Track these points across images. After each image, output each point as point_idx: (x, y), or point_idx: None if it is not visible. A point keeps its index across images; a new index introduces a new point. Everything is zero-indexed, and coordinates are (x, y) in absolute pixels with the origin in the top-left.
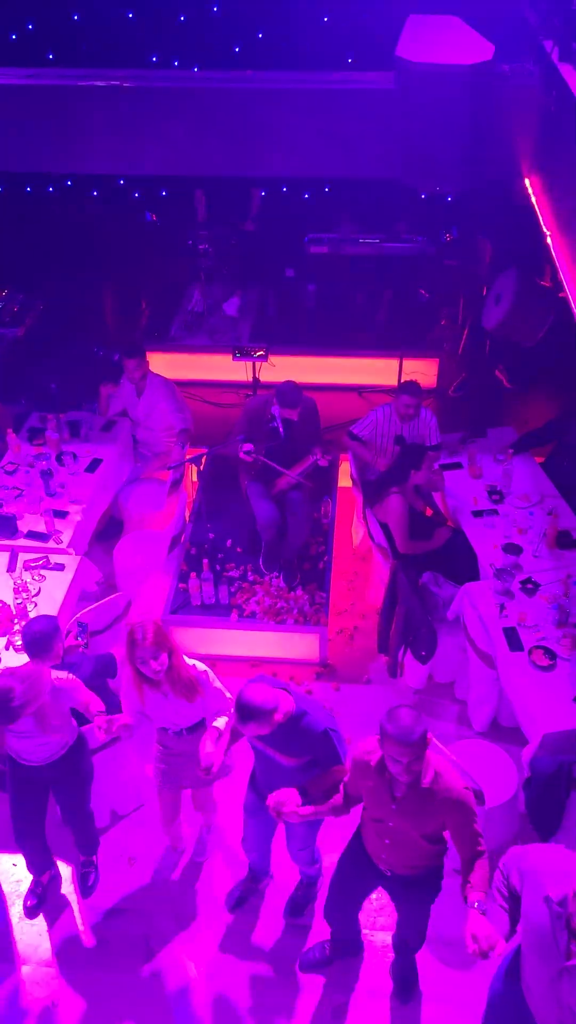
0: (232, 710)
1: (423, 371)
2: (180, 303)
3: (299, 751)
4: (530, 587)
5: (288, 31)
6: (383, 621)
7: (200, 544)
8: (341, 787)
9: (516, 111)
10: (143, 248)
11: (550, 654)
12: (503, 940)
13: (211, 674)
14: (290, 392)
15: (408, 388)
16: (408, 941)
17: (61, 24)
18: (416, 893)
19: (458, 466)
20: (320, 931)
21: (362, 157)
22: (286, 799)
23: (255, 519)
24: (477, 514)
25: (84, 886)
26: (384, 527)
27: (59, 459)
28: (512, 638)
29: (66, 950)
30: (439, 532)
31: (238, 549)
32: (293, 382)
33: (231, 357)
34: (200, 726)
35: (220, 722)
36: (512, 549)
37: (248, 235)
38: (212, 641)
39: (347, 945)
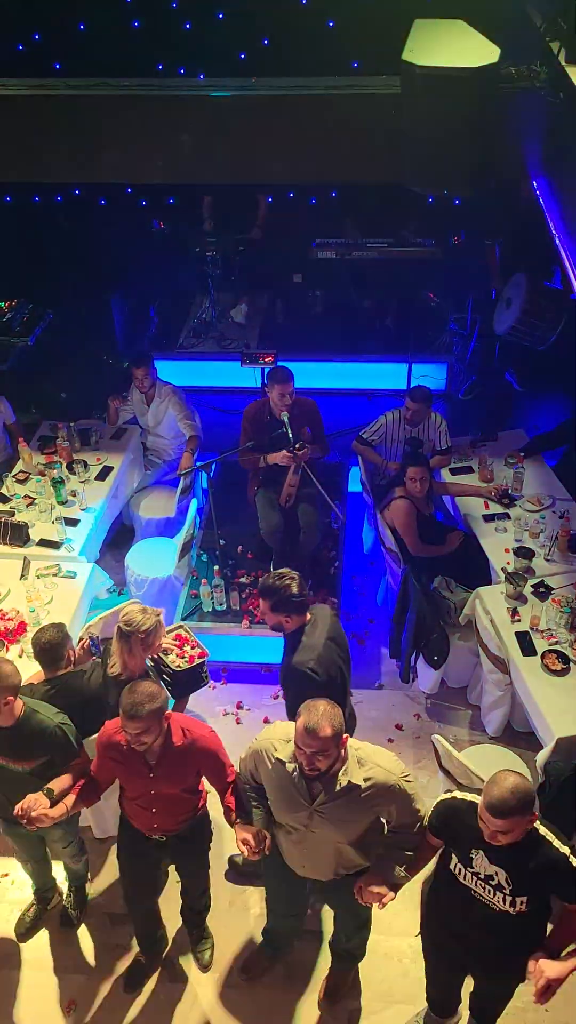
0: None
1: (433, 375)
2: (189, 311)
3: (34, 752)
4: (542, 591)
5: (293, 37)
6: (395, 626)
7: (211, 551)
8: (88, 773)
9: (523, 113)
10: (151, 256)
11: (563, 658)
12: None
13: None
14: (279, 370)
15: (413, 393)
16: (189, 891)
17: (67, 34)
18: (191, 845)
19: (469, 470)
20: None
21: (369, 162)
22: (32, 804)
23: (260, 528)
24: (488, 518)
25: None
26: (394, 531)
27: (70, 467)
28: (525, 642)
29: None
30: (450, 536)
31: (249, 555)
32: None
33: (240, 363)
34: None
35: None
36: (524, 553)
37: (255, 241)
38: (223, 647)
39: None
